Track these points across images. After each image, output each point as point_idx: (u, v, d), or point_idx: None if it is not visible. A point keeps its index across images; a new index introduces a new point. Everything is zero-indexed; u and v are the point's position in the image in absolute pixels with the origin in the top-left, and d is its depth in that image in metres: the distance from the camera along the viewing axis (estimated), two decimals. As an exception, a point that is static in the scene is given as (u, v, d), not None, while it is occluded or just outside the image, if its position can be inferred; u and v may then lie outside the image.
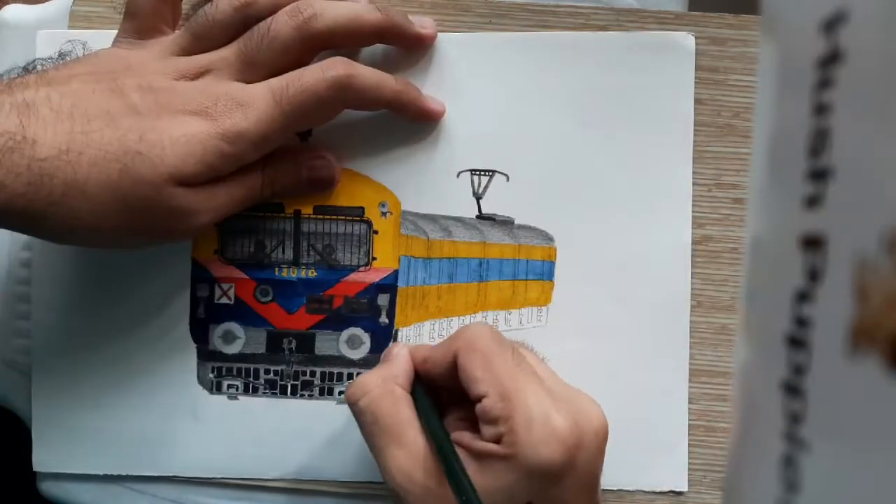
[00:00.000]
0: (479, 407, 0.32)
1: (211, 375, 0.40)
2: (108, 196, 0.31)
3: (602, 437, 0.33)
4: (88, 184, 0.31)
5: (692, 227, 0.39)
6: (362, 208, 0.39)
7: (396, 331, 0.40)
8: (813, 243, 0.13)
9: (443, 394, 0.35)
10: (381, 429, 0.33)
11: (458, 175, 0.39)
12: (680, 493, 0.39)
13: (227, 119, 0.33)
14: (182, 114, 0.33)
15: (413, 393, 0.34)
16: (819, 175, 0.13)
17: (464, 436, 0.33)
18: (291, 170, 0.38)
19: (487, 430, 0.32)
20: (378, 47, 0.38)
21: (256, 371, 0.39)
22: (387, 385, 0.34)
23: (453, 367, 0.33)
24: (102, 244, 0.36)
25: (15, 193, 0.30)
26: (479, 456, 0.32)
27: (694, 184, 0.39)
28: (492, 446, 0.31)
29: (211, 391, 0.40)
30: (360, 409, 0.34)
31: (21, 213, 0.30)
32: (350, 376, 0.39)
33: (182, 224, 0.34)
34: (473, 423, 0.33)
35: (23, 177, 0.30)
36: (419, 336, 0.40)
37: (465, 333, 0.34)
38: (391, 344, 0.39)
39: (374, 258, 0.39)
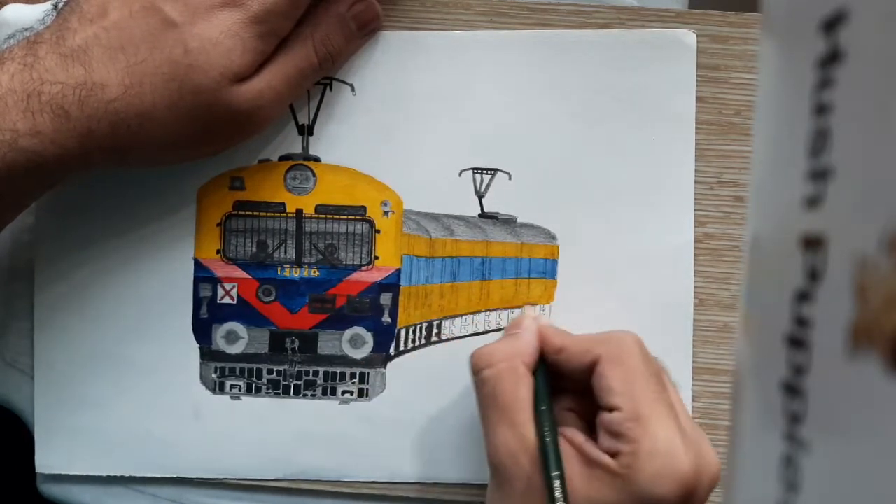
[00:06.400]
0: (607, 417, 0.32)
1: (214, 375, 0.40)
2: (176, 115, 0.33)
3: (714, 485, 0.33)
4: (156, 109, 0.33)
5: (693, 225, 0.39)
6: (364, 207, 0.39)
7: (398, 330, 0.40)
8: (813, 243, 0.13)
9: (562, 380, 0.35)
10: (497, 404, 0.33)
11: (460, 174, 0.39)
12: (683, 492, 0.39)
13: (254, 1, 0.33)
14: (212, 9, 0.33)
15: (535, 375, 0.34)
16: (819, 175, 0.13)
17: (576, 435, 0.33)
18: (338, 26, 0.37)
19: (606, 442, 0.32)
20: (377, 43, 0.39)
21: (259, 371, 0.40)
22: (513, 361, 0.34)
23: (589, 368, 0.33)
24: (187, 159, 0.37)
25: (102, 136, 0.33)
26: (590, 463, 0.32)
27: (696, 182, 0.39)
28: (606, 458, 0.31)
29: (214, 391, 0.40)
30: (481, 380, 0.34)
31: (108, 152, 0.33)
32: (353, 376, 0.39)
33: (253, 117, 0.35)
34: (582, 418, 0.34)
35: (104, 120, 0.32)
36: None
37: (614, 341, 0.34)
38: (521, 313, 0.38)
39: (376, 257, 0.39)
